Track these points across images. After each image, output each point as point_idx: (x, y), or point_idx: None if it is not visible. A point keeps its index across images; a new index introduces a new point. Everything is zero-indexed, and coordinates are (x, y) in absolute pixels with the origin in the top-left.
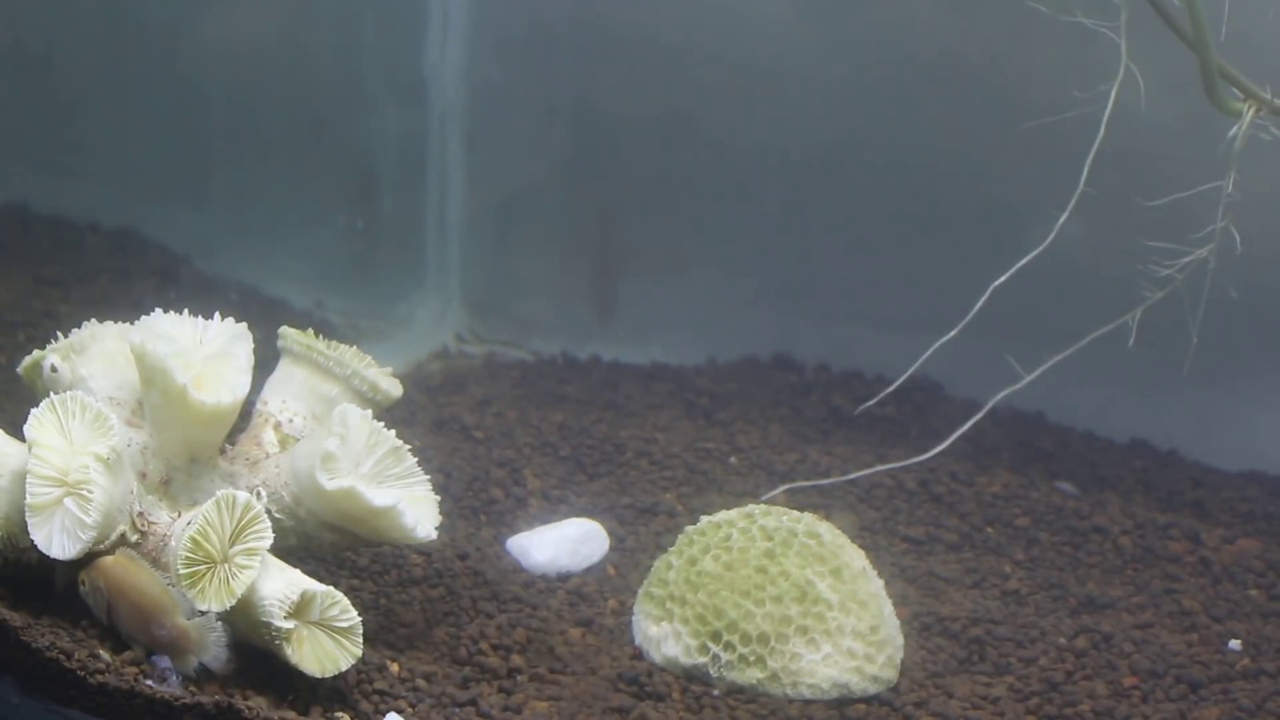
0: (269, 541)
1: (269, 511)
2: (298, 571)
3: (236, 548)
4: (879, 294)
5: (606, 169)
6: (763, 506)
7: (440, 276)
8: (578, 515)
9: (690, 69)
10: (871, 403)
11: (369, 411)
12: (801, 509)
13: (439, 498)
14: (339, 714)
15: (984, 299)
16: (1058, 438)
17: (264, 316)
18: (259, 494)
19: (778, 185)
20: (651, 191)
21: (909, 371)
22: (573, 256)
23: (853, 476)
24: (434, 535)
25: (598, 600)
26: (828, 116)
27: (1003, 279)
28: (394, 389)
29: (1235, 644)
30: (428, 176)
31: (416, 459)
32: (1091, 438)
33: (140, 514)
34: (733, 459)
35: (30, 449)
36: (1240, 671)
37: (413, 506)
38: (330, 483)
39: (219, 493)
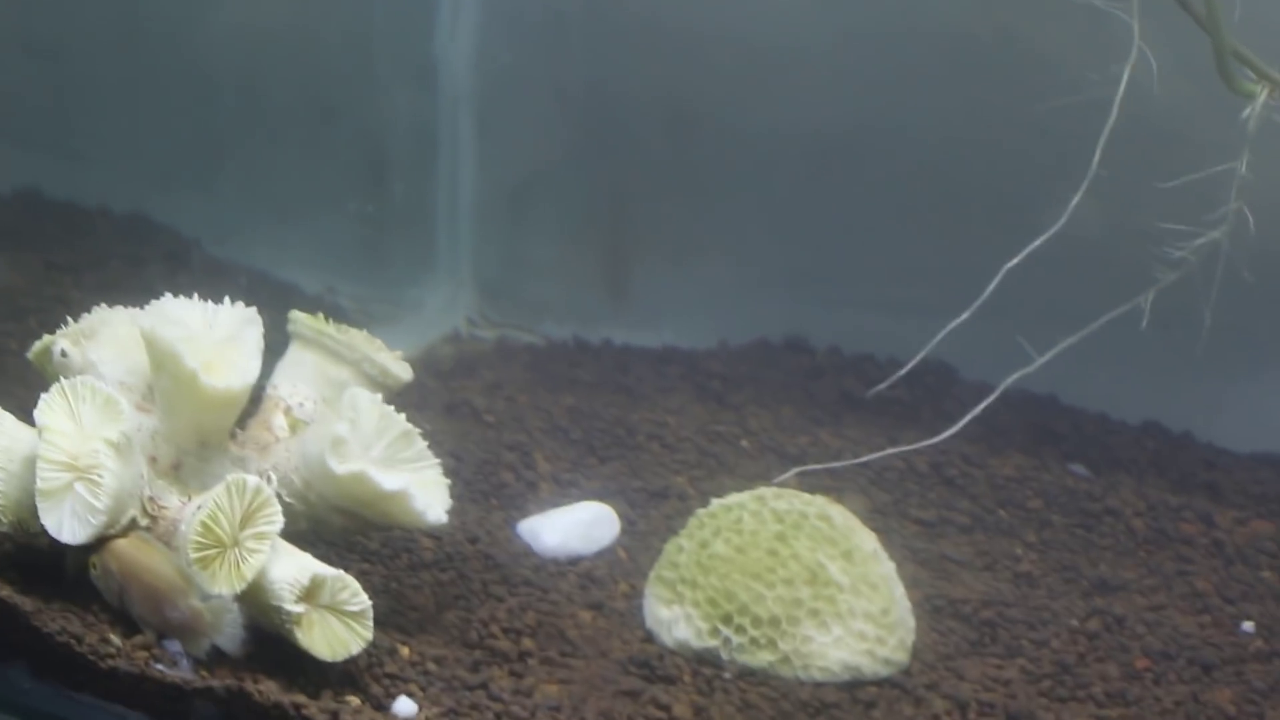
0: (279, 526)
1: (279, 495)
2: (308, 555)
3: (247, 532)
4: (891, 277)
5: (618, 153)
6: (774, 489)
7: (451, 261)
8: (589, 499)
9: (702, 52)
10: (883, 386)
11: (379, 395)
12: (813, 492)
13: (449, 481)
14: (349, 698)
15: (996, 281)
16: (1070, 420)
17: (275, 301)
18: (269, 478)
19: (790, 168)
20: (663, 175)
21: (921, 354)
22: (584, 240)
23: (864, 459)
24: (444, 519)
25: (608, 584)
26: (840, 99)
27: (1014, 261)
28: (404, 373)
29: (1248, 626)
30: (439, 161)
31: (427, 443)
32: (1104, 420)
33: (150, 499)
34: (744, 442)
35: (40, 434)
36: (1253, 653)
37: (423, 490)
38: (340, 467)
39: (229, 477)
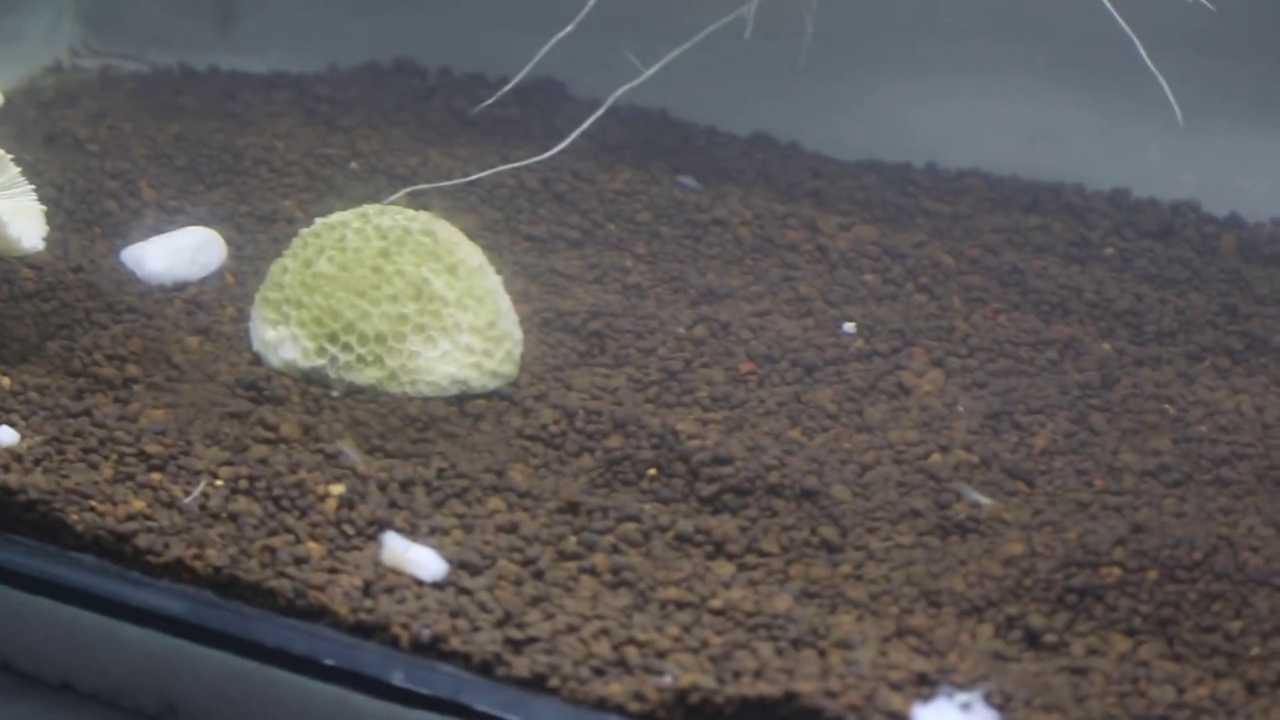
0: None
1: None
2: None
3: None
4: None
5: None
6: (377, 207)
7: None
8: (195, 224)
9: None
10: (490, 102)
11: None
12: (424, 211)
13: (46, 209)
14: None
15: None
16: (679, 133)
17: None
18: None
19: None
20: None
21: (525, 70)
22: None
23: (475, 178)
24: (40, 246)
25: (215, 308)
26: None
27: None
28: None
29: (849, 327)
30: None
31: (22, 170)
32: (713, 132)
33: None
34: (353, 164)
35: None
36: (853, 353)
37: (17, 218)
38: None
39: None
